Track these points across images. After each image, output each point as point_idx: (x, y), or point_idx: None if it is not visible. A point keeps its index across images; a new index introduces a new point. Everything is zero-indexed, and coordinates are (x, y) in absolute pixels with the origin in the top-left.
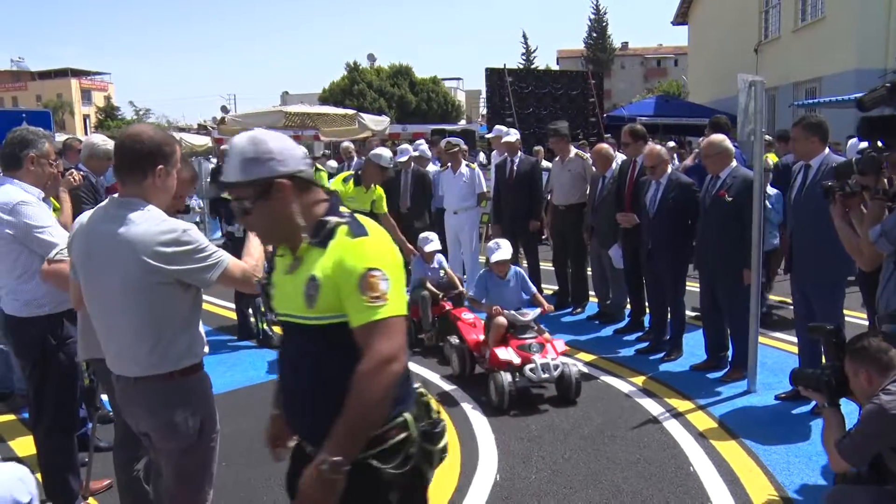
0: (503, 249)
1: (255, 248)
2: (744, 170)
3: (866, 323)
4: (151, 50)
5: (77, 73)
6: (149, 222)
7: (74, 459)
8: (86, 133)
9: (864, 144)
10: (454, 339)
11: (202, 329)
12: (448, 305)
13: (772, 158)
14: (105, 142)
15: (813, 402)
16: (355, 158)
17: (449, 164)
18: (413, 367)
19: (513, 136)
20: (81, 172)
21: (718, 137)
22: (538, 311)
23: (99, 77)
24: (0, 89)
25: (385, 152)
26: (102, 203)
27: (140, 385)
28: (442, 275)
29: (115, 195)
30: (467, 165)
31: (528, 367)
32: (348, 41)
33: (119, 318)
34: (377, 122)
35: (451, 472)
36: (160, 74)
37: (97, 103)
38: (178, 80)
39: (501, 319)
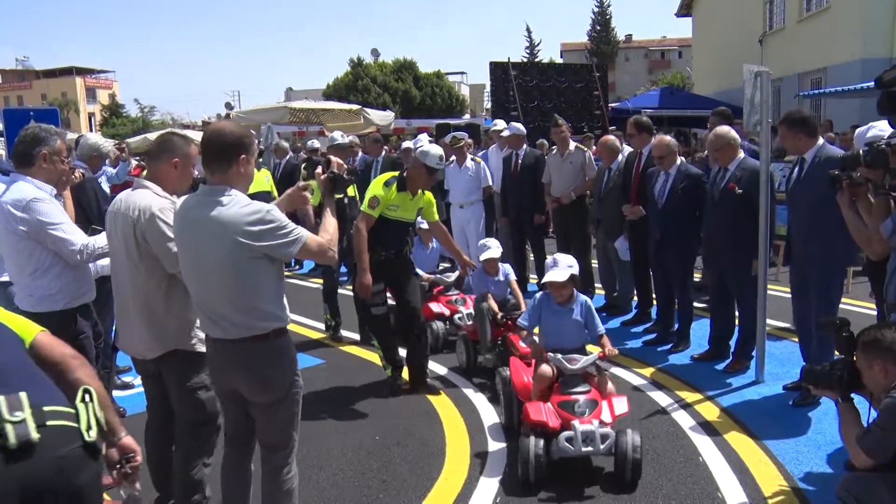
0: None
1: (330, 224)
2: (752, 161)
3: (874, 313)
4: (156, 48)
5: (82, 72)
6: (237, 206)
7: None
8: (91, 131)
9: (872, 133)
10: (505, 372)
11: (285, 301)
12: (510, 327)
13: None
14: (107, 142)
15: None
16: (360, 153)
17: (454, 158)
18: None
19: (512, 131)
20: (81, 170)
21: (724, 129)
22: (594, 357)
23: (103, 75)
24: (6, 88)
25: (434, 149)
26: (194, 193)
27: (238, 346)
28: (509, 292)
29: (204, 184)
30: (472, 159)
31: (565, 434)
32: (352, 37)
33: (216, 289)
34: (382, 118)
35: (459, 468)
36: (165, 72)
37: (102, 101)
38: (182, 77)
39: (546, 368)
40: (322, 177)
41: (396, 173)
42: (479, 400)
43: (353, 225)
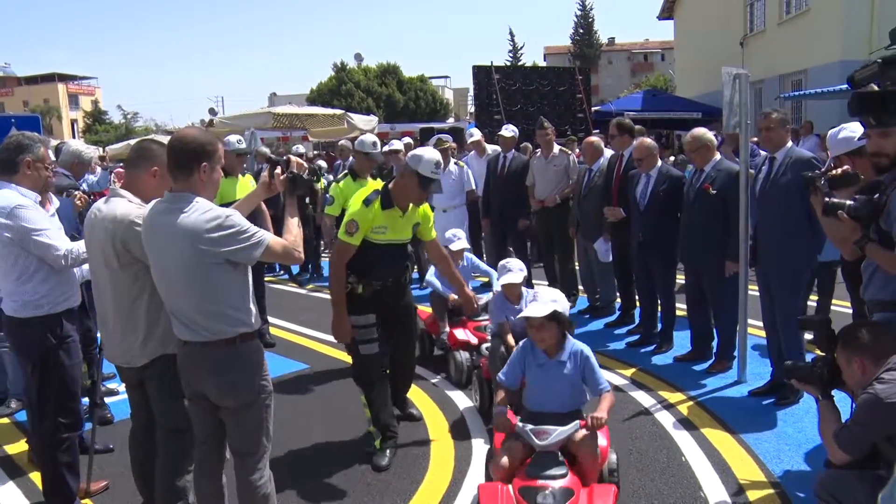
0: (514, 272)
1: (293, 224)
2: (727, 162)
3: (850, 311)
4: (139, 53)
5: (64, 78)
6: (197, 212)
7: (76, 459)
8: (74, 138)
9: (843, 135)
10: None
11: (253, 305)
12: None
13: None
14: (88, 148)
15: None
16: (350, 157)
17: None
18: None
19: (508, 132)
20: (82, 192)
21: (700, 131)
22: (572, 428)
23: (86, 81)
24: None
25: (428, 154)
26: (161, 198)
27: (206, 349)
28: None
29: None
30: (456, 163)
31: None
32: (335, 41)
33: (183, 295)
34: (366, 122)
35: (443, 470)
36: (148, 78)
37: (84, 108)
38: (165, 83)
39: (516, 444)
40: (282, 177)
41: (378, 185)
42: (462, 400)
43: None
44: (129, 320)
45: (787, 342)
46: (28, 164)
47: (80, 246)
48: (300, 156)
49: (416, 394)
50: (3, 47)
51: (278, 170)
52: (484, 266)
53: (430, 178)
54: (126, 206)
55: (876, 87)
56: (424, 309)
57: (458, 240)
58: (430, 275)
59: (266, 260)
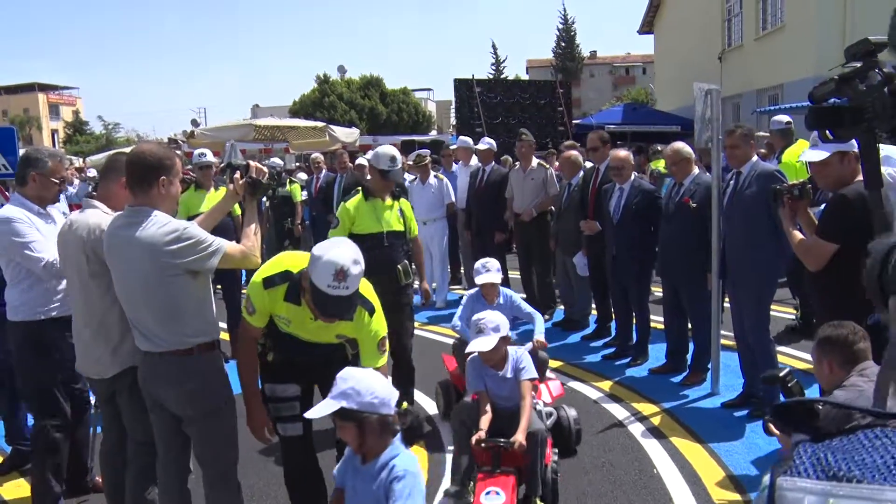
0: (493, 272)
1: (251, 229)
2: (706, 176)
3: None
4: (121, 64)
5: (44, 88)
6: (156, 226)
7: (62, 461)
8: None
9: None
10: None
11: (214, 316)
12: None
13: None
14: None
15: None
16: (324, 170)
17: (418, 175)
18: None
19: (483, 144)
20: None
21: (680, 145)
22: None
23: (67, 91)
24: None
25: (383, 150)
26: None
27: (165, 359)
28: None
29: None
30: (436, 176)
31: None
32: (318, 53)
33: (142, 305)
34: (347, 135)
35: None
36: (130, 89)
37: (65, 118)
38: (148, 94)
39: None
40: (241, 181)
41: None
42: (430, 407)
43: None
44: (99, 330)
45: (758, 352)
46: (34, 177)
47: (54, 259)
48: (276, 168)
49: None
50: None
51: (237, 174)
52: (527, 307)
53: (387, 169)
54: (99, 215)
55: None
56: (450, 358)
57: (487, 272)
58: (457, 318)
59: (225, 266)
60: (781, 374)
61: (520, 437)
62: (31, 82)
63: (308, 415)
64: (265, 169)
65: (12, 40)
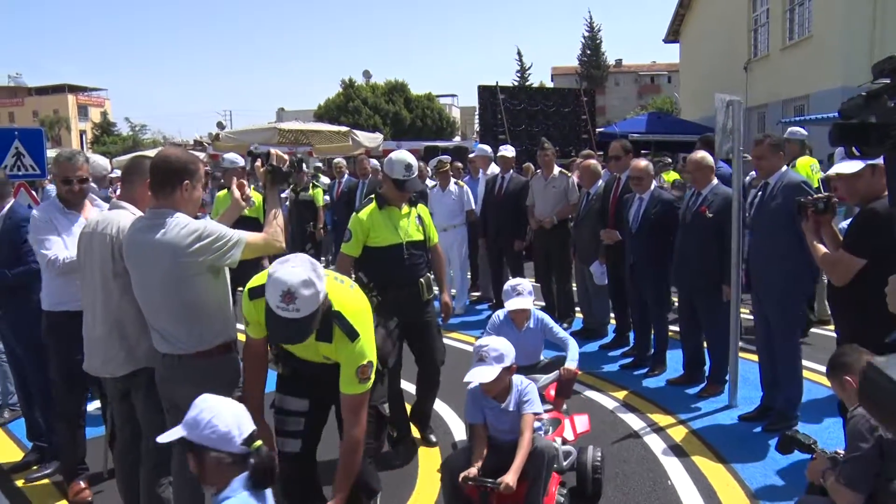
0: (524, 296)
1: (272, 216)
2: (724, 187)
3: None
4: (148, 66)
5: (74, 89)
6: (177, 228)
7: (74, 436)
8: (82, 149)
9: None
10: None
11: (233, 316)
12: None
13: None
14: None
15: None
16: (346, 175)
17: (438, 182)
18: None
19: (508, 152)
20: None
21: (701, 154)
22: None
23: (96, 93)
24: None
25: (398, 156)
26: (141, 216)
27: (184, 362)
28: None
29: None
30: (456, 183)
31: None
32: (344, 58)
33: (161, 307)
34: (370, 139)
35: (431, 488)
36: (157, 91)
37: (94, 119)
38: (174, 96)
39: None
40: (262, 169)
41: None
42: (452, 419)
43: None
44: (114, 329)
45: (783, 367)
46: (54, 177)
47: (68, 256)
48: (298, 156)
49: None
50: (15, 58)
51: (258, 162)
52: (560, 332)
53: (402, 179)
54: (128, 216)
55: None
56: None
57: (518, 295)
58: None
59: (249, 256)
60: (801, 440)
61: (509, 477)
62: (62, 83)
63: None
64: (286, 157)
65: (44, 42)
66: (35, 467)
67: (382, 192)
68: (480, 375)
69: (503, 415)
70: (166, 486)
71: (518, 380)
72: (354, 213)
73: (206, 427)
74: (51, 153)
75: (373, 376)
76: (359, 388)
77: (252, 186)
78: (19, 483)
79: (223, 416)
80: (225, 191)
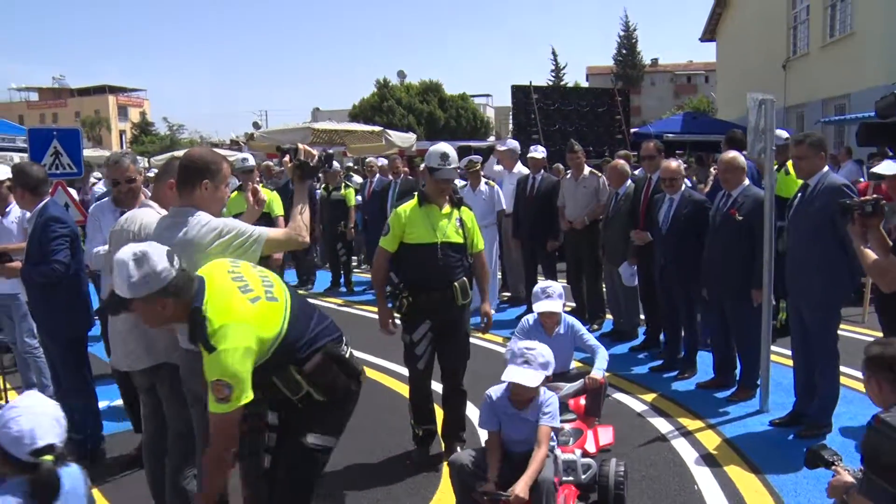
0: (554, 298)
1: (298, 211)
2: (755, 189)
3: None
4: (187, 67)
5: (114, 90)
6: (197, 226)
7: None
8: (122, 148)
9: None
10: None
11: None
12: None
13: None
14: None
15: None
16: (378, 174)
17: (468, 181)
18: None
19: (538, 153)
20: None
21: (732, 154)
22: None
23: (135, 93)
24: (42, 106)
25: (435, 147)
26: (166, 214)
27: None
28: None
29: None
30: (486, 183)
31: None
32: (379, 58)
33: None
34: (404, 139)
35: None
36: (195, 91)
37: (133, 119)
38: (212, 97)
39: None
40: (290, 164)
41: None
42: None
43: None
44: (136, 324)
45: (821, 374)
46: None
47: (99, 249)
48: (326, 150)
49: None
50: (58, 60)
51: (287, 157)
52: (591, 340)
53: (436, 167)
54: (151, 214)
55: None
56: None
57: (548, 298)
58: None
59: (270, 251)
60: (824, 456)
61: (519, 487)
62: (103, 84)
63: (518, 381)
64: (314, 152)
65: (86, 44)
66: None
67: (424, 188)
68: (524, 378)
69: (520, 423)
70: (190, 479)
71: (540, 389)
72: (395, 208)
73: (4, 424)
74: (89, 153)
75: (235, 401)
76: (213, 405)
77: (262, 184)
78: None
79: (25, 419)
80: (236, 192)
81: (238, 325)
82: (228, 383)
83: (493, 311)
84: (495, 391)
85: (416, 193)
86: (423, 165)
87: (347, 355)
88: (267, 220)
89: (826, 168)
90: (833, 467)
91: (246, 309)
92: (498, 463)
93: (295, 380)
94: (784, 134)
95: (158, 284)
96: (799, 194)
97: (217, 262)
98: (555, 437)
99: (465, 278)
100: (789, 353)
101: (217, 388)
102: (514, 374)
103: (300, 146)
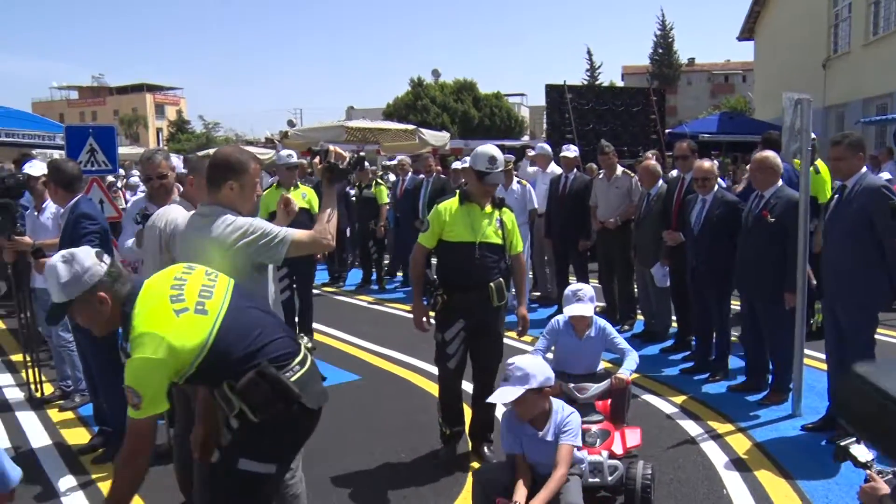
0: (585, 302)
1: (325, 213)
2: (789, 190)
3: None
4: (222, 66)
5: (151, 88)
6: (222, 226)
7: None
8: (158, 145)
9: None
10: None
11: (275, 308)
12: None
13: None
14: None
15: None
16: (410, 173)
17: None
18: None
19: (570, 152)
20: None
21: (764, 153)
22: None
23: (172, 92)
24: (82, 104)
25: (482, 149)
26: (194, 213)
27: None
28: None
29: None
30: (518, 182)
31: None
32: (413, 57)
33: None
34: (437, 138)
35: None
36: (230, 90)
37: (169, 117)
38: (247, 95)
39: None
40: (319, 166)
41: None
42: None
43: None
44: None
45: None
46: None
47: (130, 243)
48: (356, 153)
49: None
50: (97, 59)
51: (316, 159)
52: (621, 343)
53: (484, 171)
54: (179, 211)
55: None
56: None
57: (578, 301)
58: (537, 349)
59: (295, 253)
60: (855, 455)
61: None
62: (140, 83)
63: (497, 400)
64: (345, 154)
65: (125, 44)
66: (100, 450)
67: (467, 187)
68: (501, 395)
69: (541, 445)
70: None
71: (558, 406)
72: (436, 205)
73: None
74: (124, 150)
75: (144, 410)
76: (129, 409)
77: (298, 182)
78: (87, 464)
79: None
80: (273, 187)
81: (153, 336)
82: (137, 392)
83: (511, 299)
84: (512, 413)
85: (457, 191)
86: (458, 163)
87: (292, 377)
88: (308, 216)
89: (864, 169)
90: (867, 471)
91: (167, 320)
92: (526, 488)
93: (227, 396)
94: (811, 134)
95: (90, 281)
96: (836, 196)
97: (170, 268)
98: (577, 452)
99: (501, 279)
100: (823, 356)
101: (129, 394)
102: (496, 394)
103: (331, 148)
